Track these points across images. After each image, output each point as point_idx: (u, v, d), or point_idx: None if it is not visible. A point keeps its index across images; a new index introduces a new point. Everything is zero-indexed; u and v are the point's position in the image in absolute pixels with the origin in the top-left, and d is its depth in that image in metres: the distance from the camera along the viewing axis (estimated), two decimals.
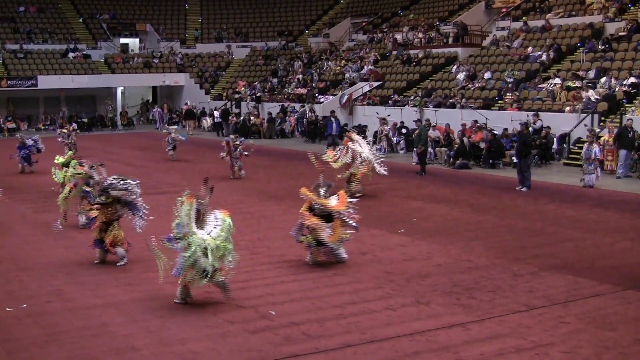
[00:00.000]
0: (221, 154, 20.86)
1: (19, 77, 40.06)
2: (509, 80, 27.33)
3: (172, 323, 8.60)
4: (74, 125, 27.45)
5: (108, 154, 24.21)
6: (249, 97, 39.11)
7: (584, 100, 23.79)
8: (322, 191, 11.16)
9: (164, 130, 26.82)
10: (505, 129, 23.40)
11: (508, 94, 26.57)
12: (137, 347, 7.89)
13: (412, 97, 30.44)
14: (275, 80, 40.73)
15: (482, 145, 22.97)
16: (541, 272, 10.60)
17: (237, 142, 20.63)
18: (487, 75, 29.10)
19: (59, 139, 25.31)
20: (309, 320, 8.61)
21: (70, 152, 18.64)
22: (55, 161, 16.14)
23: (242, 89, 40.22)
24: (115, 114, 42.91)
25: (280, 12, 50.50)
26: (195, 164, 24.07)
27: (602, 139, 20.63)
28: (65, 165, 17.37)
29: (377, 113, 28.98)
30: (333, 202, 11.17)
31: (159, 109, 42.55)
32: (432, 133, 23.67)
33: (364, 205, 16.38)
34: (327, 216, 11.01)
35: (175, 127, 27.53)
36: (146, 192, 18.30)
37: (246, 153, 20.68)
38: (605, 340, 7.94)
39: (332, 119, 26.59)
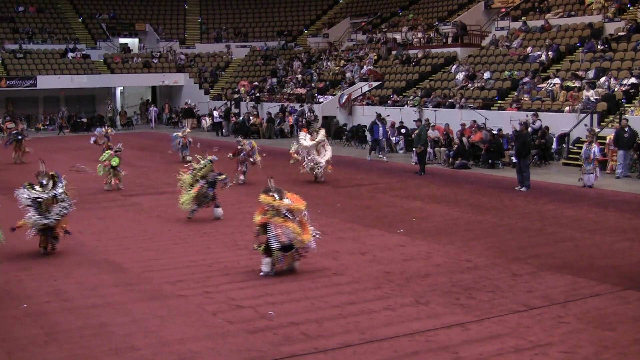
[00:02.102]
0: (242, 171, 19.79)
1: (18, 77, 40.05)
2: (526, 80, 27.16)
3: (171, 323, 8.60)
4: (110, 127, 26.99)
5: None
6: (248, 97, 39.11)
7: (583, 100, 23.81)
8: (275, 195, 10.64)
9: (176, 134, 25.24)
10: (500, 129, 23.41)
11: (525, 95, 26.43)
12: (136, 346, 7.89)
13: (411, 97, 30.45)
14: (274, 80, 40.74)
15: (481, 146, 22.98)
16: (540, 272, 10.60)
17: (240, 146, 19.60)
18: (486, 75, 29.11)
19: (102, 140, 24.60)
20: (308, 320, 8.61)
21: (110, 150, 18.81)
22: (101, 159, 18.43)
23: (242, 89, 40.22)
24: (115, 113, 42.90)
25: (279, 12, 50.51)
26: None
27: (608, 137, 20.69)
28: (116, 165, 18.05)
29: (377, 113, 28.94)
30: (288, 202, 10.70)
31: (154, 108, 42.62)
32: (431, 133, 23.66)
33: (363, 205, 16.44)
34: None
35: (187, 129, 26.48)
36: (146, 192, 18.48)
37: (252, 159, 19.74)
38: (605, 340, 7.94)
39: (379, 122, 25.07)
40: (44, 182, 12.07)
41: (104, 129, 25.14)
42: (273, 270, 10.56)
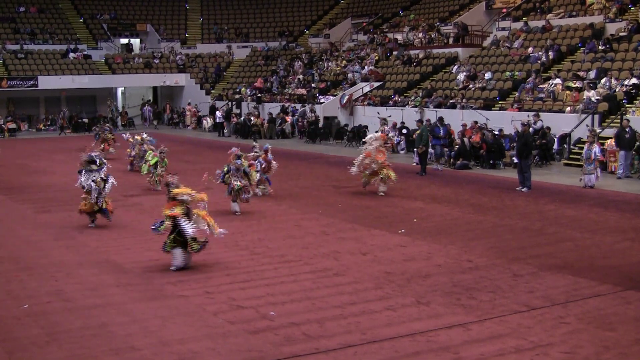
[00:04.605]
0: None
1: (19, 77, 40.06)
2: (530, 80, 27.09)
3: (172, 323, 8.60)
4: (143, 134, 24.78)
5: (108, 154, 24.17)
6: (249, 97, 39.12)
7: (584, 100, 23.79)
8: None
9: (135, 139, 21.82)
10: (501, 130, 23.37)
11: (526, 95, 26.37)
12: (136, 347, 7.89)
13: (412, 98, 30.45)
14: (275, 77, 40.73)
15: (477, 146, 22.92)
16: (541, 272, 10.60)
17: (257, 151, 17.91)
18: (487, 75, 29.10)
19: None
20: (309, 321, 8.61)
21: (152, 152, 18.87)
22: (150, 161, 18.64)
23: (243, 89, 40.21)
24: (114, 114, 42.87)
25: (280, 12, 50.53)
26: (195, 164, 24.04)
27: (609, 140, 20.68)
28: (153, 164, 17.98)
29: (378, 113, 28.99)
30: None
31: (148, 108, 42.86)
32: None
33: (364, 205, 16.44)
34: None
35: (146, 136, 21.63)
36: (147, 192, 18.48)
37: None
38: (606, 340, 7.94)
39: (440, 126, 22.85)
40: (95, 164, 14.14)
41: (139, 137, 21.56)
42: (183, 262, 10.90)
